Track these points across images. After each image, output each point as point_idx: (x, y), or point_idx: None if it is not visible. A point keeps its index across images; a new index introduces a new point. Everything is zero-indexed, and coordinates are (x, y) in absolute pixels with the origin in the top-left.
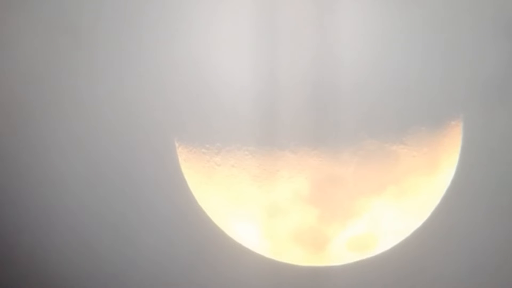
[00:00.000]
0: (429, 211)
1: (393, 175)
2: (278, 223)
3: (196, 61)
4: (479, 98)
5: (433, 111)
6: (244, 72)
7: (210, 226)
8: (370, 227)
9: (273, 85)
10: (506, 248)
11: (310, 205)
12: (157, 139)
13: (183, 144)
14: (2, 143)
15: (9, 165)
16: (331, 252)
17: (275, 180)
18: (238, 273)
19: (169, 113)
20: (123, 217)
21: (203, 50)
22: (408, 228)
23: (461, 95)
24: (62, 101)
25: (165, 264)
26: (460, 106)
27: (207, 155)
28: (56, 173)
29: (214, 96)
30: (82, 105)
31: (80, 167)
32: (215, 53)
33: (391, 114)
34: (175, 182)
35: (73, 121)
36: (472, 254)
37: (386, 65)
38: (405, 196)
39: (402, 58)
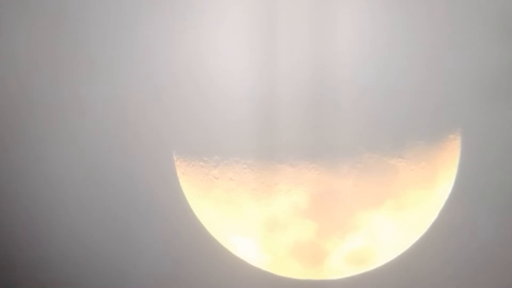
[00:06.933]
0: (428, 224)
1: (392, 189)
2: (276, 236)
3: (195, 74)
4: (477, 112)
5: (431, 125)
6: (242, 85)
7: (208, 239)
8: (368, 241)
9: (272, 98)
10: (505, 260)
11: (308, 218)
12: (156, 152)
13: (182, 157)
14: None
15: (7, 168)
16: (330, 265)
17: (274, 193)
18: (236, 286)
19: (167, 126)
20: (121, 230)
21: (201, 63)
22: (407, 242)
23: (459, 108)
24: (59, 112)
25: (162, 277)
26: (458, 120)
27: (205, 168)
28: (54, 181)
29: (212, 110)
30: (80, 118)
31: (79, 181)
32: (213, 66)
33: (389, 128)
34: (173, 195)
35: (72, 131)
36: (471, 266)
37: (384, 79)
38: (403, 209)
39: (400, 72)
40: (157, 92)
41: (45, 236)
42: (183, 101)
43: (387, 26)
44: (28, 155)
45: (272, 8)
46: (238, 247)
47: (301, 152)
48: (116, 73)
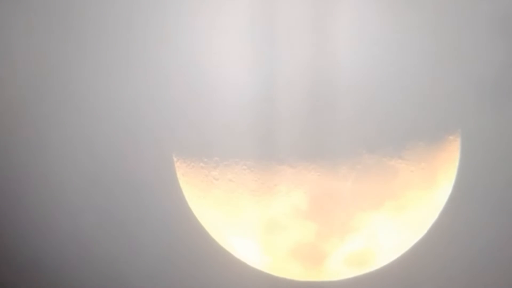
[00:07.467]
0: (427, 226)
1: (391, 190)
2: (276, 238)
3: (195, 75)
4: (477, 113)
5: (431, 126)
6: (242, 86)
7: (207, 240)
8: (368, 242)
9: (272, 99)
10: (505, 262)
11: (308, 220)
12: (156, 154)
13: (181, 158)
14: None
15: (7, 168)
16: (329, 267)
17: (273, 194)
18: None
19: (167, 127)
20: (121, 231)
21: (202, 63)
22: (406, 243)
23: (459, 109)
24: (58, 114)
25: (162, 279)
26: (458, 121)
27: (205, 169)
28: (54, 182)
29: (212, 111)
30: (79, 120)
31: (79, 182)
32: (213, 67)
33: (389, 129)
34: (173, 196)
35: (72, 133)
36: (471, 268)
37: (384, 80)
38: (403, 211)
39: (399, 73)
40: (157, 92)
41: (44, 237)
42: (183, 102)
43: (387, 27)
44: (27, 156)
45: (272, 9)
46: (237, 248)
47: (301, 153)
48: (115, 74)
